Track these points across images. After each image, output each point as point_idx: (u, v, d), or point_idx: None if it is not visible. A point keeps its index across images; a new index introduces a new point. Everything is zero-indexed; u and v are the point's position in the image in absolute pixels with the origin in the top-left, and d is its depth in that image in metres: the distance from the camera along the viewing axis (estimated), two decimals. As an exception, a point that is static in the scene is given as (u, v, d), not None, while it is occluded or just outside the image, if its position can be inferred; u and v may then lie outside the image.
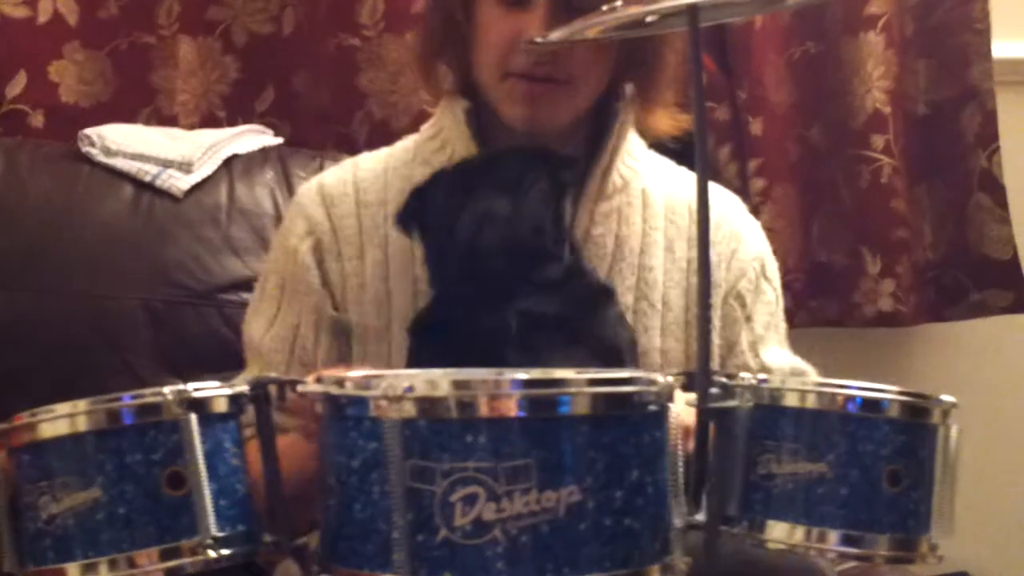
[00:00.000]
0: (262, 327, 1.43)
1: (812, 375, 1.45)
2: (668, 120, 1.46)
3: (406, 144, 1.49)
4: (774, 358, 1.45)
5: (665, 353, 1.40)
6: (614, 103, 1.41)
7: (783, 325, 1.50)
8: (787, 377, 1.26)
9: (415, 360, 1.28)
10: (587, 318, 1.28)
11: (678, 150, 1.49)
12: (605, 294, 1.32)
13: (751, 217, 1.53)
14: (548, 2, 1.31)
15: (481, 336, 1.21)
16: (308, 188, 1.48)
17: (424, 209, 1.29)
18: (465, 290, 1.25)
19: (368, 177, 1.45)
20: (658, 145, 1.50)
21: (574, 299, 1.27)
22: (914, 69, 2.16)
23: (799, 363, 1.47)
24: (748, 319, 1.44)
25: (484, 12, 1.36)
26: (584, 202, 1.39)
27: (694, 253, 1.42)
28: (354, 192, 1.44)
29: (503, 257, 1.23)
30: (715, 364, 1.38)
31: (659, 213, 1.44)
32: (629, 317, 1.37)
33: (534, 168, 1.27)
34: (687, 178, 1.48)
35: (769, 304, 1.47)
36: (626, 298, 1.38)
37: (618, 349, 1.29)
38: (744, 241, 1.47)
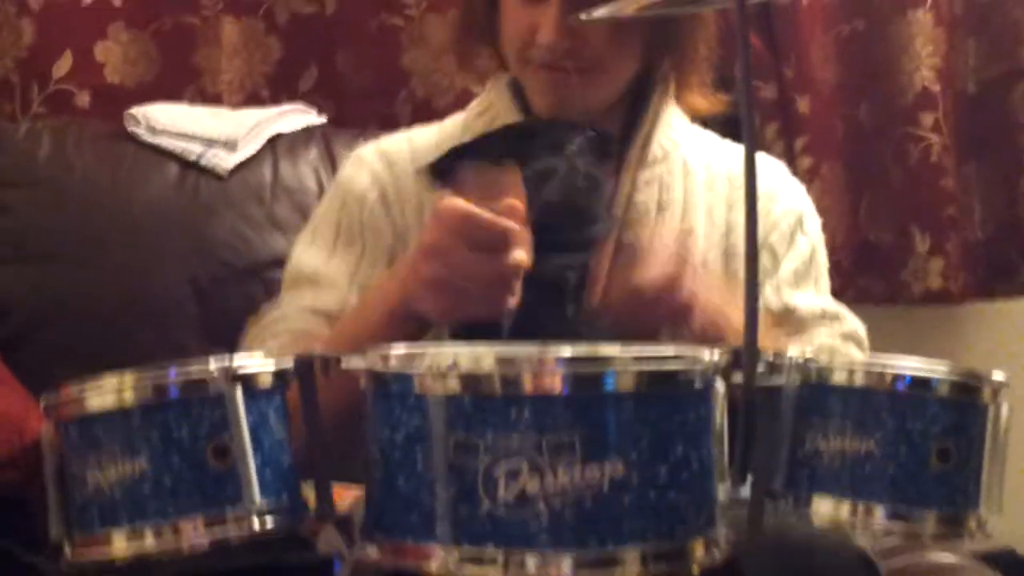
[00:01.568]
0: (319, 257, 1.42)
1: (848, 319, 1.44)
2: (703, 100, 1.47)
3: (456, 120, 1.50)
4: (801, 300, 1.44)
5: None
6: (653, 75, 1.42)
7: (826, 278, 1.49)
8: (834, 355, 1.25)
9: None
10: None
11: (723, 124, 1.49)
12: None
13: (792, 178, 1.53)
14: None
15: (540, 287, 1.21)
16: (367, 148, 1.49)
17: (461, 165, 1.29)
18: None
19: (422, 148, 1.46)
20: (703, 121, 1.51)
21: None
22: (963, 47, 2.14)
23: (833, 306, 1.46)
24: (776, 268, 1.44)
25: (505, 3, 1.38)
26: (626, 170, 1.41)
27: (732, 216, 1.43)
28: (411, 158, 1.44)
29: (562, 212, 1.25)
30: None
31: (700, 181, 1.46)
32: None
33: (578, 135, 1.29)
34: (728, 149, 1.50)
35: (802, 254, 1.46)
36: None
37: None
38: (777, 199, 1.47)
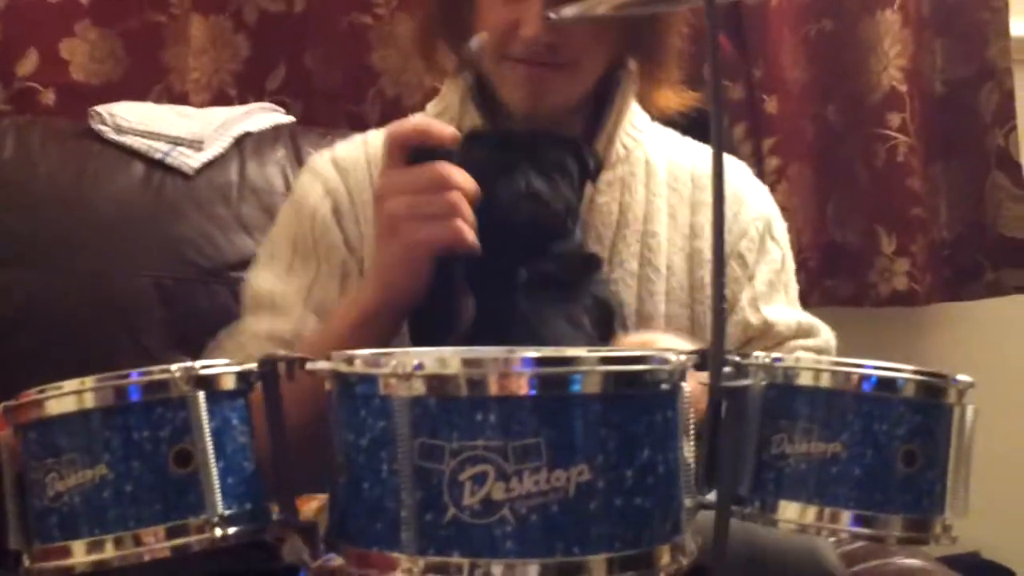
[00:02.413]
0: (272, 279, 1.42)
1: (823, 331, 1.45)
2: (674, 97, 1.47)
3: None
4: (779, 314, 1.44)
5: (669, 318, 1.41)
6: (615, 74, 1.42)
7: (794, 285, 1.50)
8: (800, 354, 1.25)
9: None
10: (582, 280, 1.33)
11: (685, 124, 1.49)
12: (596, 261, 1.38)
13: (757, 180, 1.54)
14: None
15: (493, 288, 1.25)
16: (321, 157, 1.48)
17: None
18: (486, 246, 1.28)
19: (378, 152, 1.44)
20: (667, 119, 1.50)
21: (571, 263, 1.33)
22: (931, 47, 2.15)
23: (807, 318, 1.46)
24: (750, 278, 1.44)
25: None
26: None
27: (696, 218, 1.43)
28: (366, 164, 1.44)
29: (531, 230, 1.27)
30: None
31: (662, 181, 1.45)
32: (633, 282, 1.39)
33: (570, 155, 1.31)
34: (689, 146, 1.50)
35: (774, 263, 1.46)
36: (631, 264, 1.40)
37: (609, 306, 1.33)
38: (745, 203, 1.47)
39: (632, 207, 1.42)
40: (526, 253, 1.28)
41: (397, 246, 1.22)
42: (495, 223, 1.25)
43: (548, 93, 1.36)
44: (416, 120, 1.27)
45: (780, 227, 1.49)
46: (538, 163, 1.28)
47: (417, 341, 1.29)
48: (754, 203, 1.48)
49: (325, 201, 1.42)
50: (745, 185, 1.50)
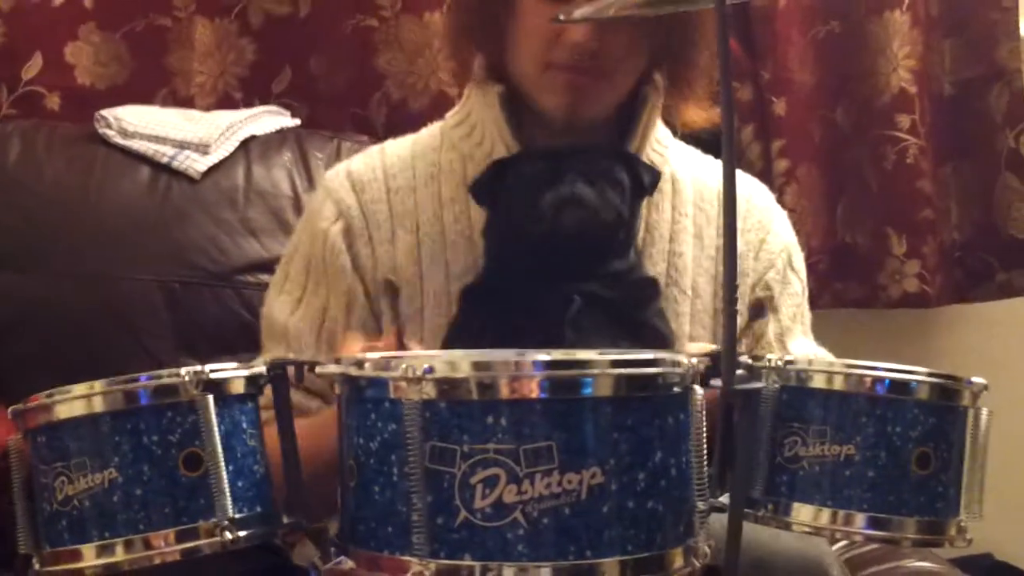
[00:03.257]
0: (287, 309, 1.42)
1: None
2: (700, 113, 1.45)
3: (432, 130, 1.47)
4: (799, 349, 1.43)
5: (693, 340, 1.38)
6: (643, 89, 1.40)
7: (808, 315, 1.49)
8: (814, 359, 1.24)
9: (464, 327, 1.29)
10: (639, 309, 1.31)
11: (710, 140, 1.47)
12: (654, 286, 1.35)
13: (778, 206, 1.52)
14: None
15: (539, 310, 1.24)
16: (336, 173, 1.46)
17: (501, 182, 1.29)
18: (527, 264, 1.27)
19: (396, 163, 1.43)
20: (690, 136, 1.49)
21: (629, 289, 1.30)
22: (940, 49, 2.14)
23: (821, 351, 1.46)
24: (775, 311, 1.43)
25: (524, 1, 1.34)
26: None
27: (723, 241, 1.41)
28: (383, 178, 1.42)
29: (577, 241, 1.26)
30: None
31: (688, 200, 1.43)
32: (660, 304, 1.36)
33: (621, 166, 1.29)
34: (715, 165, 1.47)
35: (795, 296, 1.46)
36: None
37: (664, 338, 1.31)
38: (773, 231, 1.46)
39: (659, 225, 1.41)
40: (578, 271, 1.26)
41: None
42: (543, 238, 1.24)
43: (588, 101, 1.34)
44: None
45: (799, 256, 1.49)
46: (586, 173, 1.27)
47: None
48: (779, 232, 1.47)
49: (337, 223, 1.41)
50: (770, 212, 1.48)
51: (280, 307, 1.42)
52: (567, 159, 1.28)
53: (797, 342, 1.44)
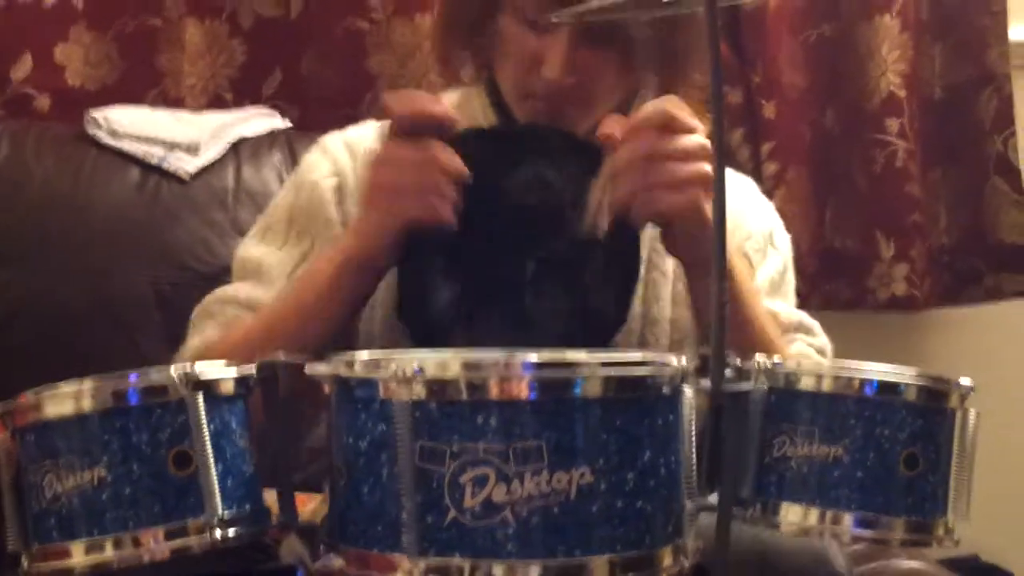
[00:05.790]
0: (262, 249, 1.42)
1: (821, 336, 1.44)
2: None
3: None
4: (780, 307, 1.44)
5: (675, 322, 1.40)
6: (631, 101, 1.39)
7: (793, 295, 1.50)
8: (802, 360, 1.25)
9: (417, 287, 1.31)
10: (591, 273, 1.33)
11: None
12: (602, 251, 1.35)
13: (763, 197, 1.53)
14: (570, 30, 1.28)
15: (499, 272, 1.28)
16: (333, 137, 1.48)
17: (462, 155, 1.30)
18: (491, 234, 1.29)
19: None
20: None
21: (582, 254, 1.32)
22: (930, 53, 2.15)
23: (809, 319, 1.46)
24: (752, 276, 1.43)
25: (506, 26, 1.34)
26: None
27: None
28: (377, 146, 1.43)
29: (537, 219, 1.28)
30: None
31: None
32: (640, 288, 1.38)
33: (577, 151, 1.30)
34: None
35: (775, 265, 1.47)
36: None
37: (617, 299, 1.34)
38: (748, 216, 1.47)
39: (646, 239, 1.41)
40: (531, 244, 1.29)
41: (374, 214, 1.26)
42: (501, 214, 1.26)
43: (572, 124, 1.34)
44: (416, 97, 1.29)
45: (783, 238, 1.50)
46: (546, 154, 1.28)
47: (408, 322, 1.31)
48: (757, 217, 1.48)
49: (330, 179, 1.42)
50: (749, 202, 1.50)
51: (254, 247, 1.43)
52: (521, 140, 1.31)
53: (776, 303, 1.44)
